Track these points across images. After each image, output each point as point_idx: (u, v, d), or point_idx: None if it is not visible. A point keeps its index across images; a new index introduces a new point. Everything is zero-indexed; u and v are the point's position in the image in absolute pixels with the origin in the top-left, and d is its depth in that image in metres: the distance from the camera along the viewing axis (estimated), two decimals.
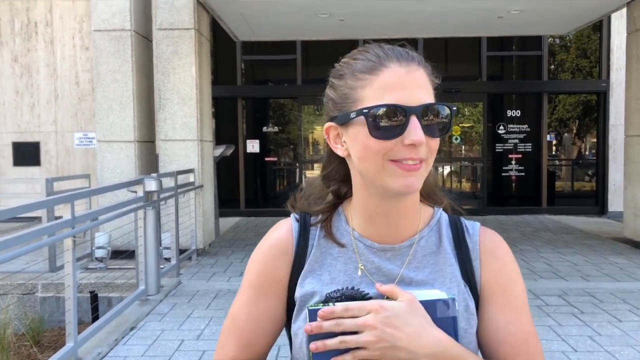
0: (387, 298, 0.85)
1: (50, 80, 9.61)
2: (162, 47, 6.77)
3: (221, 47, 10.20)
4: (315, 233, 0.97)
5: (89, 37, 9.08)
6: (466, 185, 11.50)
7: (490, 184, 10.66)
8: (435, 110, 0.86)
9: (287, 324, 0.97)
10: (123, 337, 4.09)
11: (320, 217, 0.98)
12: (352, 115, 0.86)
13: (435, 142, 0.87)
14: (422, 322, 0.80)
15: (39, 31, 9.58)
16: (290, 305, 0.95)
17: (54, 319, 5.23)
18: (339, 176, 0.99)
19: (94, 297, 5.12)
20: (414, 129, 0.82)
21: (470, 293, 0.91)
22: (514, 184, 10.70)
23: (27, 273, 5.41)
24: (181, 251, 6.18)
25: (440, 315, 0.82)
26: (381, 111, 0.83)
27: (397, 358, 0.79)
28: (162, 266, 5.39)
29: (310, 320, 0.82)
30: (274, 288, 0.95)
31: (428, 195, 0.99)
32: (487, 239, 0.96)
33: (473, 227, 0.97)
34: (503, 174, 10.57)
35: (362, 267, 0.92)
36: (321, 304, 0.83)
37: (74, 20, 9.56)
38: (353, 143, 0.88)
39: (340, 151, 0.91)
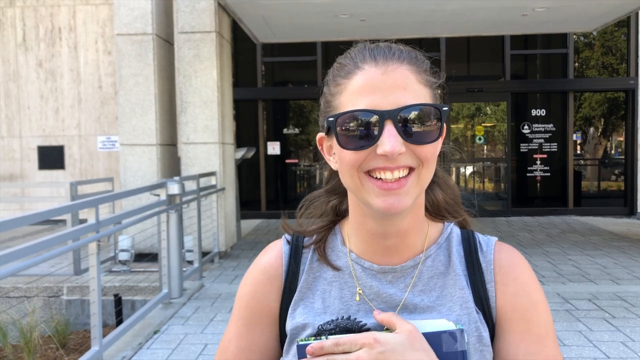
0: (387, 329, 0.77)
1: (74, 84, 9.73)
2: (184, 50, 6.80)
3: (241, 49, 10.22)
4: (308, 256, 0.88)
5: (112, 42, 9.18)
6: (490, 186, 11.35)
7: (514, 184, 10.49)
8: (421, 112, 0.74)
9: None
10: (147, 341, 4.09)
11: (314, 237, 0.89)
12: (325, 124, 0.79)
13: (427, 150, 0.75)
14: (422, 359, 0.71)
15: (62, 36, 9.72)
16: (282, 336, 0.87)
17: (80, 321, 5.28)
18: (343, 190, 0.90)
19: (118, 301, 5.14)
20: (387, 138, 0.72)
21: (483, 321, 0.80)
22: (539, 185, 10.51)
23: (52, 276, 5.48)
24: (204, 254, 6.19)
25: (447, 349, 0.72)
26: (348, 118, 0.74)
27: None
28: (184, 269, 5.40)
29: (299, 357, 0.75)
30: (264, 319, 0.87)
31: (438, 212, 0.89)
32: (502, 257, 0.83)
33: (487, 243, 0.85)
34: (528, 174, 10.38)
35: (360, 292, 0.83)
36: (312, 338, 0.76)
37: (96, 25, 9.67)
38: (336, 155, 0.80)
39: (332, 164, 0.83)
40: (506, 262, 0.83)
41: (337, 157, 0.79)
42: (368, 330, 0.79)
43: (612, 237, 7.85)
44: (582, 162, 10.92)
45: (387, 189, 0.74)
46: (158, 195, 5.00)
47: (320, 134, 0.84)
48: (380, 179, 0.74)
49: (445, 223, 0.88)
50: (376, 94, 0.74)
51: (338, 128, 0.75)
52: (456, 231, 0.87)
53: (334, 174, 0.90)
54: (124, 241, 6.01)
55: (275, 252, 0.90)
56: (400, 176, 0.74)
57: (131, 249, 6.04)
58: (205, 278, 5.86)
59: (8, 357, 4.48)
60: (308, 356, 0.73)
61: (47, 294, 5.41)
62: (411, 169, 0.75)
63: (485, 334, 0.79)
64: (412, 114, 0.73)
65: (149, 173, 6.68)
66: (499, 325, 0.81)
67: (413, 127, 0.73)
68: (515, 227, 8.85)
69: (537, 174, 10.34)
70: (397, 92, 0.74)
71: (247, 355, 0.86)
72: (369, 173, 0.75)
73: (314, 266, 0.87)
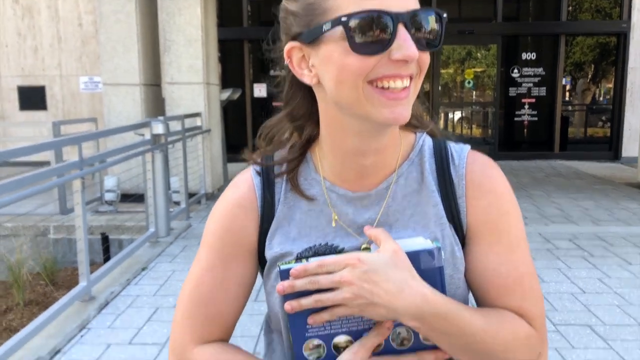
0: (366, 248, 0.77)
1: (53, 22, 9.39)
2: None
3: None
4: (281, 186, 0.85)
5: None
6: (477, 131, 11.38)
7: (502, 129, 10.51)
8: (425, 18, 0.71)
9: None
10: (135, 277, 4.14)
11: (285, 166, 0.85)
12: (326, 27, 0.70)
13: (427, 57, 0.73)
14: (404, 277, 0.71)
15: None
16: (261, 263, 0.86)
17: (68, 259, 5.32)
18: (305, 113, 0.84)
19: (105, 239, 5.17)
20: (405, 41, 0.68)
21: (456, 235, 0.81)
22: (526, 129, 10.54)
23: (38, 215, 5.46)
24: (190, 195, 6.19)
25: (425, 266, 0.73)
26: (363, 19, 0.68)
27: (377, 315, 0.71)
28: (171, 210, 5.41)
29: (282, 280, 0.74)
30: (242, 252, 0.84)
31: (408, 123, 0.84)
32: (475, 170, 0.82)
33: (460, 155, 0.83)
34: (516, 119, 10.39)
35: (337, 218, 0.81)
36: (293, 261, 0.76)
37: None
38: (326, 65, 0.72)
39: (307, 78, 0.76)
40: (478, 175, 0.82)
41: (333, 66, 0.72)
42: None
43: (595, 181, 7.97)
44: (570, 107, 10.93)
45: (395, 98, 0.71)
46: (142, 134, 4.94)
47: (291, 44, 0.77)
48: (386, 88, 0.71)
49: (417, 134, 0.86)
50: None
51: (349, 30, 0.68)
52: (428, 142, 0.86)
53: (294, 95, 0.84)
54: (109, 181, 5.98)
55: (246, 185, 0.86)
56: (406, 85, 0.72)
57: (117, 189, 6.02)
58: (192, 219, 5.88)
59: None
60: (291, 278, 0.73)
61: (33, 232, 5.41)
62: (410, 78, 0.73)
63: (458, 247, 0.80)
64: (422, 19, 0.71)
65: (133, 114, 6.57)
66: (470, 237, 0.81)
67: (421, 32, 0.71)
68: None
69: (525, 118, 10.35)
70: None
71: (223, 285, 0.84)
72: (370, 83, 0.71)
73: (289, 196, 0.84)
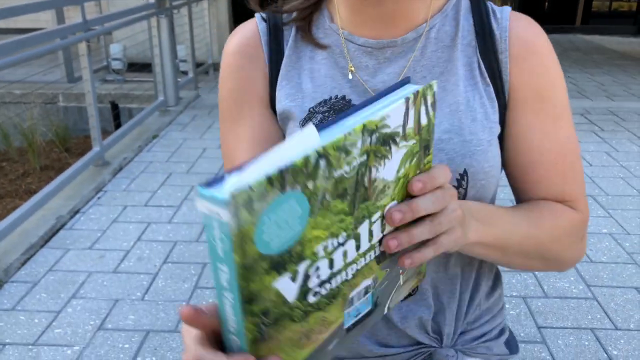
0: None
1: None
2: None
3: None
4: (290, 34, 0.74)
5: None
6: (495, 1, 10.76)
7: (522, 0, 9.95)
8: None
9: None
10: (147, 145, 4.20)
11: (295, 15, 0.74)
12: None
13: None
14: None
15: None
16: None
17: (79, 127, 5.37)
18: None
19: (115, 107, 5.18)
20: None
21: (493, 95, 0.70)
22: (547, 1, 9.98)
23: (46, 83, 5.42)
24: (198, 65, 6.08)
25: None
26: None
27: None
28: (179, 79, 5.34)
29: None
30: (254, 105, 0.75)
31: None
32: (520, 26, 0.71)
33: (502, 10, 0.73)
34: None
35: (353, 69, 0.71)
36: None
37: None
38: None
39: None
40: (524, 32, 0.71)
41: None
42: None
43: (615, 56, 7.70)
44: None
45: None
46: None
47: None
48: None
49: None
50: None
51: None
52: (465, 0, 0.75)
53: None
54: (116, 48, 5.85)
55: (249, 30, 0.75)
56: None
57: (123, 57, 5.90)
58: (200, 89, 5.83)
59: (13, 159, 4.64)
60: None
61: (43, 100, 5.41)
62: None
63: (492, 110, 0.71)
64: None
65: None
66: (512, 102, 0.71)
67: None
68: None
69: None
70: None
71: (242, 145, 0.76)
72: None
73: (299, 45, 0.75)
